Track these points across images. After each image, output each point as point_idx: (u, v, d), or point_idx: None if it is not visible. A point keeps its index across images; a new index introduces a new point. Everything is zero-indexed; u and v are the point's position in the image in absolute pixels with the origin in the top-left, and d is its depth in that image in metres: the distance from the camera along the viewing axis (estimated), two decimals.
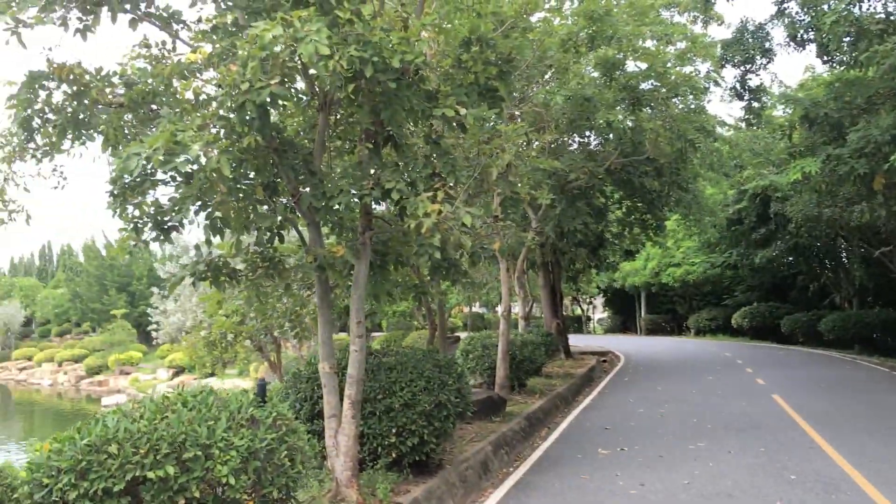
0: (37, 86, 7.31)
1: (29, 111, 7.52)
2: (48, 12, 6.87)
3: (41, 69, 7.24)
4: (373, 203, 8.96)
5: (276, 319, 13.71)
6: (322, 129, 8.67)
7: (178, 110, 7.27)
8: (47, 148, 7.98)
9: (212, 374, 39.95)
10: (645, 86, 21.69)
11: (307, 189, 8.25)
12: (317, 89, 8.64)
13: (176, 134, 6.17)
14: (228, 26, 7.47)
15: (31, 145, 7.76)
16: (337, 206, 8.14)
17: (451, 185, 8.37)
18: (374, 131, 8.54)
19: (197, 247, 8.17)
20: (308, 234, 8.58)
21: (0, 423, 40.52)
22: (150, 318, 46.91)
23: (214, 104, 6.89)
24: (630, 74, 21.36)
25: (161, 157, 6.03)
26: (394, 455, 9.27)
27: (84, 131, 7.59)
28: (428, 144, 8.91)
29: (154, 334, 45.59)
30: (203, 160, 6.39)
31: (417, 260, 7.91)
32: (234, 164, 7.95)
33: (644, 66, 21.31)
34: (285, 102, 8.41)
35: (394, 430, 9.20)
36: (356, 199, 8.08)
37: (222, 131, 7.09)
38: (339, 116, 9.11)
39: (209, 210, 7.60)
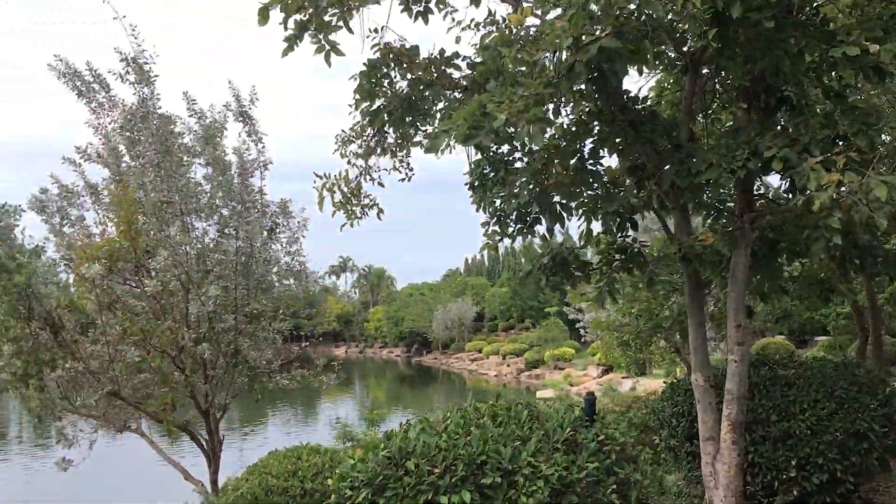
0: (379, 75, 7.11)
1: (380, 102, 7.36)
2: None
3: (377, 57, 7.01)
4: (756, 178, 7.28)
5: (665, 319, 12.34)
6: (689, 95, 7.24)
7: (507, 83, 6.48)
8: (401, 140, 7.81)
9: (640, 374, 39.23)
10: None
11: (668, 166, 6.90)
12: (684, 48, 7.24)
13: (484, 105, 5.37)
14: None
15: (384, 137, 7.64)
16: (705, 184, 6.65)
17: (862, 148, 6.33)
18: (751, 89, 6.86)
19: (544, 237, 7.33)
20: (673, 219, 7.22)
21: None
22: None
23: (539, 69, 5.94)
24: None
25: (466, 131, 5.28)
26: (795, 492, 7.43)
27: (423, 118, 7.21)
28: (828, 99, 6.92)
29: (582, 332, 46.44)
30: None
31: (811, 246, 6.07)
32: (573, 141, 6.98)
33: None
34: (640, 66, 7.19)
35: (794, 462, 7.37)
36: (729, 174, 6.49)
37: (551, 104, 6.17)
38: (711, 76, 7.57)
39: (547, 195, 6.73)
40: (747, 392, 7.09)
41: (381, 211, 7.80)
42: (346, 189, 7.63)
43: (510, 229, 7.82)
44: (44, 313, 10.49)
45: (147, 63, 10.92)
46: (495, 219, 7.82)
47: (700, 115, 7.90)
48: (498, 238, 7.88)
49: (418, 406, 44.15)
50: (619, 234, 7.17)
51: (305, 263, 12.87)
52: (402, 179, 7.80)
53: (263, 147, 11.98)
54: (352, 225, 7.74)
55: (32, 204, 11.27)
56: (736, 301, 6.90)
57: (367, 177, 7.77)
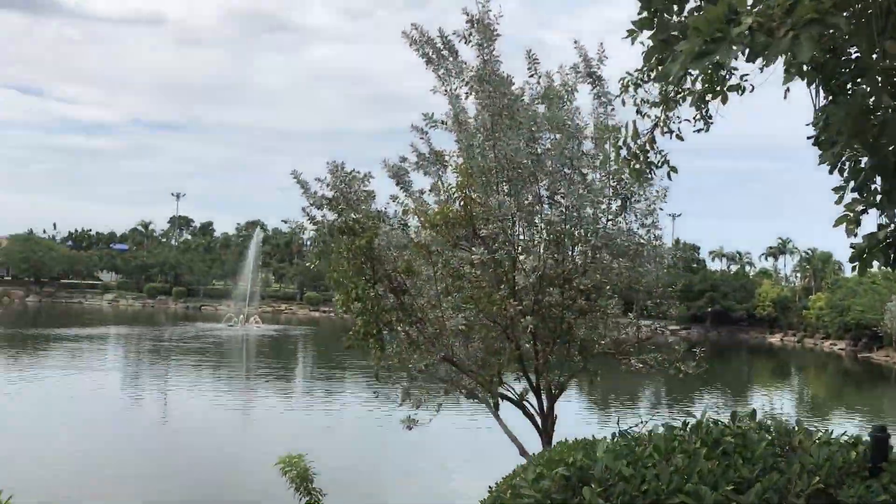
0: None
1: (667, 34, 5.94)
2: None
3: None
4: None
5: None
6: None
7: None
8: (707, 83, 6.27)
9: None
10: None
11: None
12: None
13: (735, 9, 3.80)
14: None
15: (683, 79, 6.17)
16: None
17: None
18: None
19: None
20: None
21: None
22: None
23: None
24: None
25: (700, 46, 3.77)
26: None
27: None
28: None
29: None
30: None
31: None
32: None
33: None
34: None
35: None
36: None
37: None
38: None
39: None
40: None
41: (672, 169, 6.34)
42: (632, 144, 6.33)
43: (878, 196, 5.85)
44: (386, 276, 10.88)
45: (491, 23, 10.60)
46: (851, 182, 5.92)
47: None
48: (860, 209, 5.95)
49: (864, 410, 38.71)
50: None
51: (661, 237, 11.57)
52: (699, 130, 6.22)
53: (613, 110, 10.95)
54: (640, 184, 6.46)
55: (391, 170, 11.74)
56: None
57: (664, 128, 6.35)
